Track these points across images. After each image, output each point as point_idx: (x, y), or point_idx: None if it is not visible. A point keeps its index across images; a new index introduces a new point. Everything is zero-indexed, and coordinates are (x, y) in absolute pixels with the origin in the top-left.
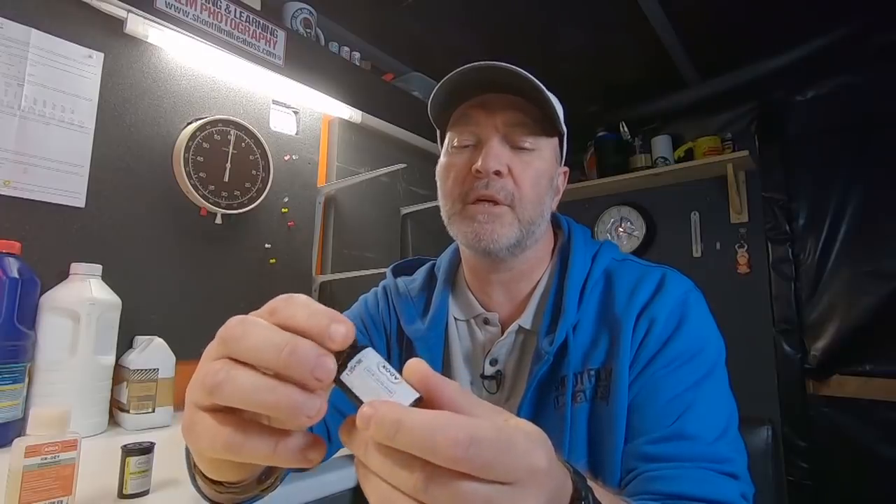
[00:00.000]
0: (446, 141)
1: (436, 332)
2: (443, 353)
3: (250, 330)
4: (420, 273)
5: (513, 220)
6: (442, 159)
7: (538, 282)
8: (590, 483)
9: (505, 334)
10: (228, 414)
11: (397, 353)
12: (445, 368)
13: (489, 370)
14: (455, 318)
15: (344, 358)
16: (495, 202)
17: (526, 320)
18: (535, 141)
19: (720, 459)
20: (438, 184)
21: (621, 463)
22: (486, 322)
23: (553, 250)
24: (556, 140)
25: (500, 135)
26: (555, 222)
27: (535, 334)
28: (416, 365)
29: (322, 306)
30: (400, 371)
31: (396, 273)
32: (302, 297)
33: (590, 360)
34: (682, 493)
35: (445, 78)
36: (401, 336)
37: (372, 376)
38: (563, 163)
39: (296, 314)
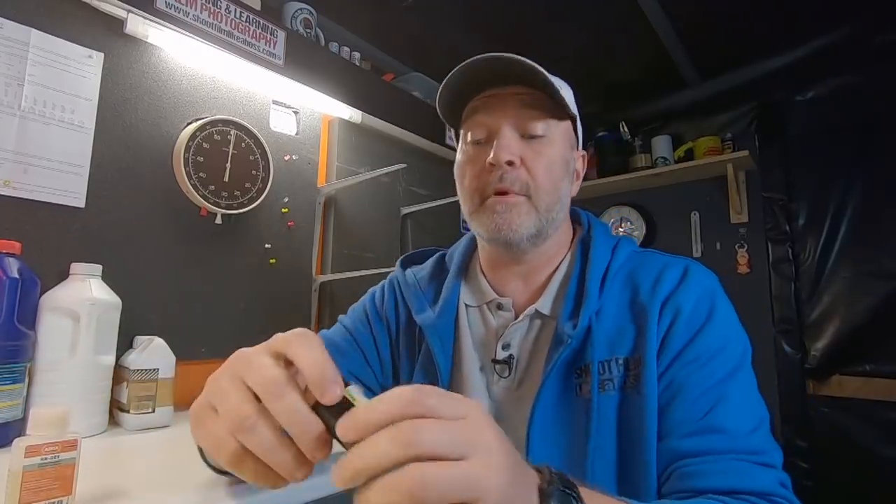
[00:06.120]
0: (461, 138)
1: (446, 319)
2: (453, 341)
3: (284, 396)
4: (429, 262)
5: (530, 210)
6: (458, 157)
7: (557, 268)
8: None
9: (520, 317)
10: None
11: (406, 343)
12: (456, 355)
13: (501, 354)
14: (466, 305)
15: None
16: (511, 194)
17: (543, 305)
18: (545, 127)
19: (755, 451)
20: (457, 182)
21: (657, 464)
22: (500, 307)
23: (572, 241)
24: (568, 123)
25: (511, 125)
26: (574, 217)
27: (554, 319)
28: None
29: (324, 357)
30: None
31: (405, 264)
32: (314, 341)
33: (616, 349)
34: (719, 487)
35: (449, 76)
36: (411, 326)
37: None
38: (579, 147)
39: (305, 364)
